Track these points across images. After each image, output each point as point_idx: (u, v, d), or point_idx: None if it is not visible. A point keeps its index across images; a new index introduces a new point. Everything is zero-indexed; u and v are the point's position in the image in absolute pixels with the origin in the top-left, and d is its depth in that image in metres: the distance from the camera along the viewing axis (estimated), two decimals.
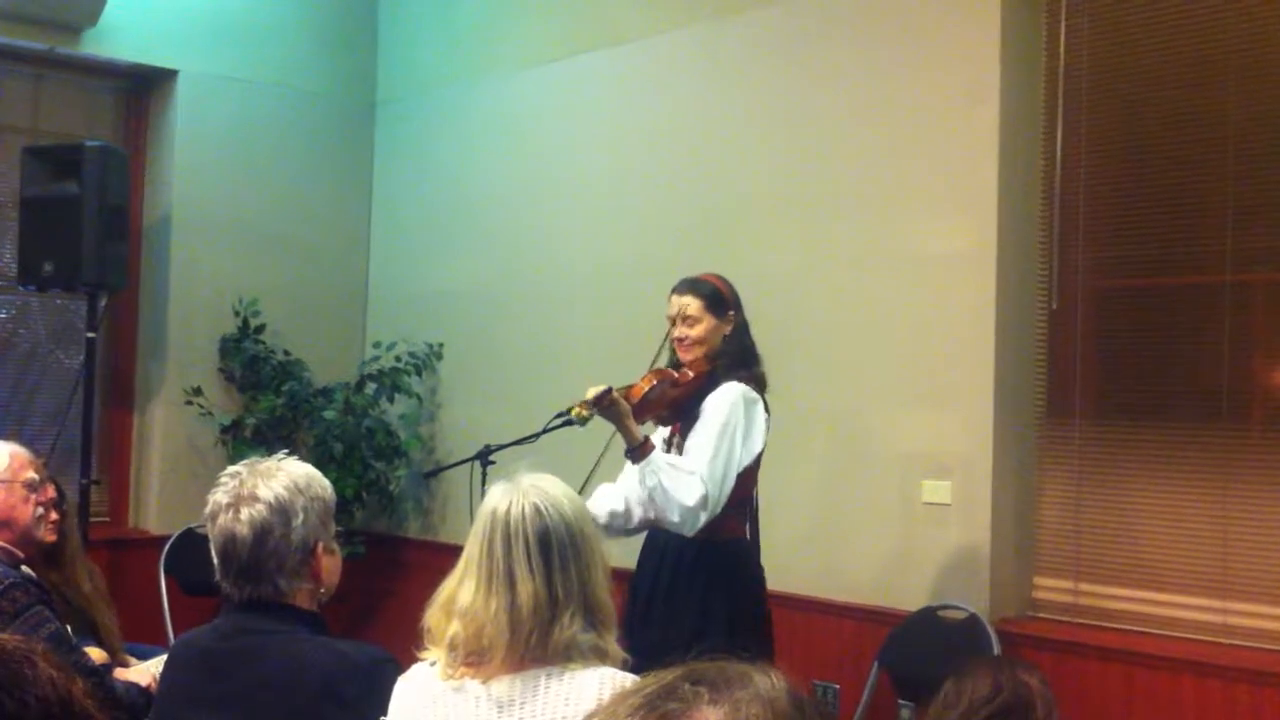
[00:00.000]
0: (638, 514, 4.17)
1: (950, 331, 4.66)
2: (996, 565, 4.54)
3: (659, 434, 4.29)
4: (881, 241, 4.87)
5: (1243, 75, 4.24)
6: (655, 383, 4.08)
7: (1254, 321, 4.25)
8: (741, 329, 4.19)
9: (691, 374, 4.12)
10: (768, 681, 1.13)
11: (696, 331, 4.10)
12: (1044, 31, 4.67)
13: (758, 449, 4.11)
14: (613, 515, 4.19)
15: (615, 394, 3.96)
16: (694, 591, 4.09)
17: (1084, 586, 4.51)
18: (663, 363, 4.25)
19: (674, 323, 4.16)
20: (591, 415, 3.95)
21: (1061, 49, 4.62)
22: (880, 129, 4.90)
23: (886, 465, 4.81)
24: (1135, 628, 4.36)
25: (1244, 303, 4.25)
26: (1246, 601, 4.15)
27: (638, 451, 3.98)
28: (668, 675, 1.14)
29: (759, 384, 4.16)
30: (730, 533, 4.13)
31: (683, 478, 3.94)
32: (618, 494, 4.21)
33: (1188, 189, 4.35)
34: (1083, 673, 4.31)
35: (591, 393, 3.95)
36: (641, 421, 4.11)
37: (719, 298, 4.14)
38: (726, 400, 4.04)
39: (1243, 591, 4.16)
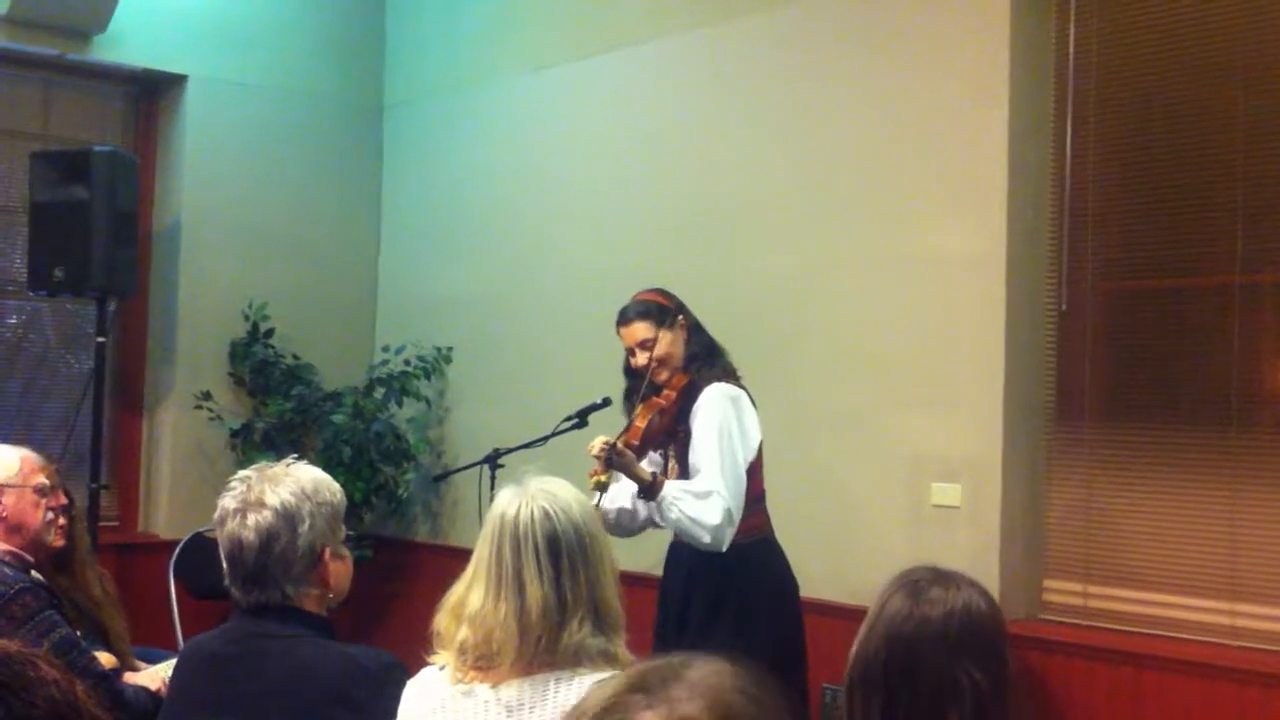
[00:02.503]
0: (644, 513, 4.19)
1: (959, 334, 4.65)
2: (1006, 568, 4.54)
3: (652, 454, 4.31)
4: (890, 244, 4.86)
5: (1252, 77, 4.23)
6: (650, 417, 4.10)
7: (1264, 323, 4.24)
8: (695, 328, 4.25)
9: (674, 393, 4.15)
10: (703, 672, 1.14)
11: (659, 351, 4.14)
12: (1053, 34, 4.66)
13: (756, 442, 4.15)
14: (620, 513, 4.20)
15: (620, 444, 3.97)
16: (729, 602, 4.11)
17: (1093, 589, 4.50)
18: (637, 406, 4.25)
19: (633, 354, 4.20)
20: (610, 476, 3.97)
21: (1070, 51, 4.61)
22: (888, 132, 4.89)
23: (895, 468, 4.80)
24: (1145, 630, 4.35)
25: (1254, 304, 4.23)
26: (1256, 604, 4.14)
27: (650, 490, 4.00)
28: (608, 687, 1.15)
29: (733, 375, 4.21)
30: (752, 532, 4.15)
31: (702, 501, 3.96)
32: (625, 493, 4.20)
33: (1197, 190, 4.34)
34: (1092, 675, 4.30)
35: (597, 447, 3.95)
36: (644, 456, 4.14)
37: (662, 310, 4.19)
38: (714, 406, 4.07)
39: (1252, 594, 4.15)
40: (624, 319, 4.24)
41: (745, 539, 4.10)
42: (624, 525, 4.22)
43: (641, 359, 4.17)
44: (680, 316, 4.21)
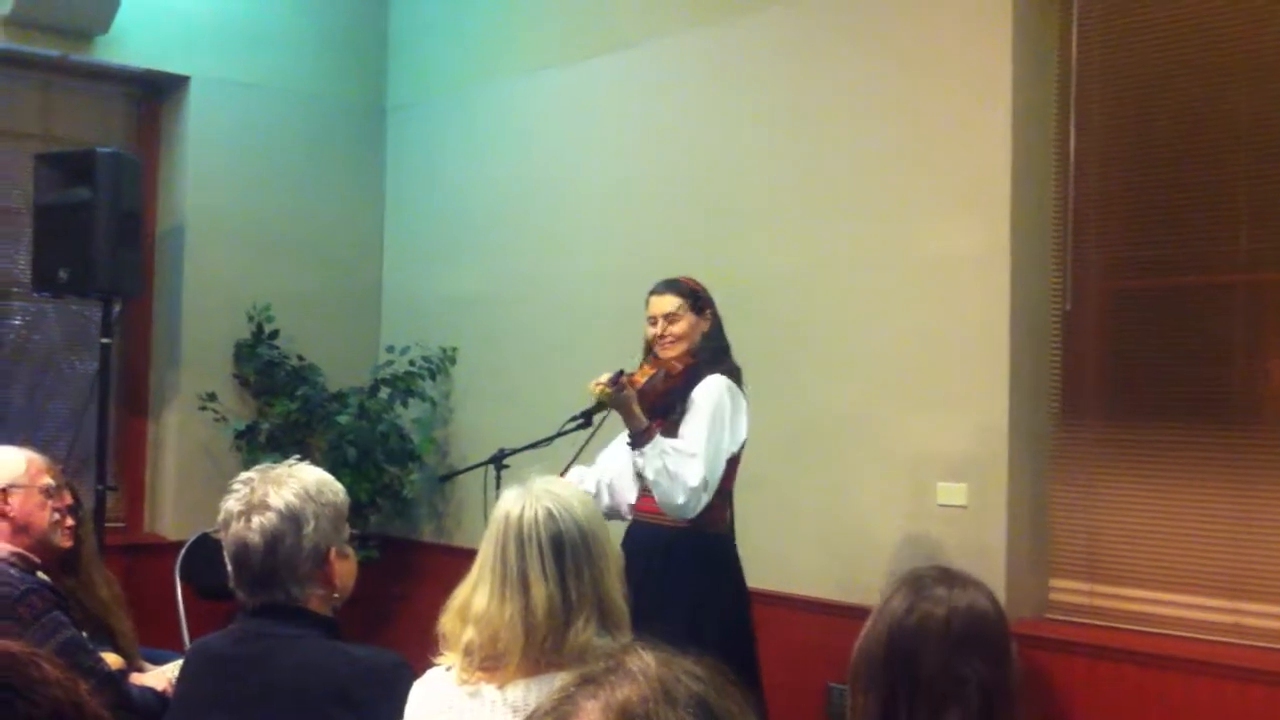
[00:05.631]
0: (605, 501, 4.33)
1: (964, 333, 4.65)
2: (1012, 567, 4.53)
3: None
4: (894, 243, 4.86)
5: (1255, 74, 4.23)
6: (652, 374, 4.24)
7: (1268, 321, 4.24)
8: (717, 325, 4.39)
9: (680, 366, 4.28)
10: (643, 660, 1.20)
11: (679, 328, 4.28)
12: (1055, 31, 4.66)
13: (743, 438, 4.28)
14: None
15: (624, 378, 4.12)
16: (685, 589, 4.18)
17: (1099, 588, 4.50)
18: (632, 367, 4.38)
19: (655, 323, 4.33)
20: (613, 396, 4.09)
21: (1073, 49, 4.60)
22: (891, 131, 4.89)
23: (901, 467, 4.80)
24: (1150, 629, 4.34)
25: (1258, 303, 4.23)
26: (1261, 602, 4.14)
27: (643, 435, 4.15)
28: (567, 683, 1.24)
29: (737, 377, 4.34)
30: (718, 525, 4.29)
31: (685, 460, 4.10)
32: (590, 477, 4.38)
33: (1201, 189, 4.34)
34: (1098, 674, 4.30)
35: (605, 377, 4.11)
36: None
37: (696, 296, 4.34)
38: (715, 390, 4.21)
39: (1257, 592, 4.14)
40: (658, 289, 4.37)
41: (707, 529, 4.24)
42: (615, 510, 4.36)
43: (660, 330, 4.31)
44: (709, 309, 4.35)
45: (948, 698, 2.06)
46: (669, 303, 4.31)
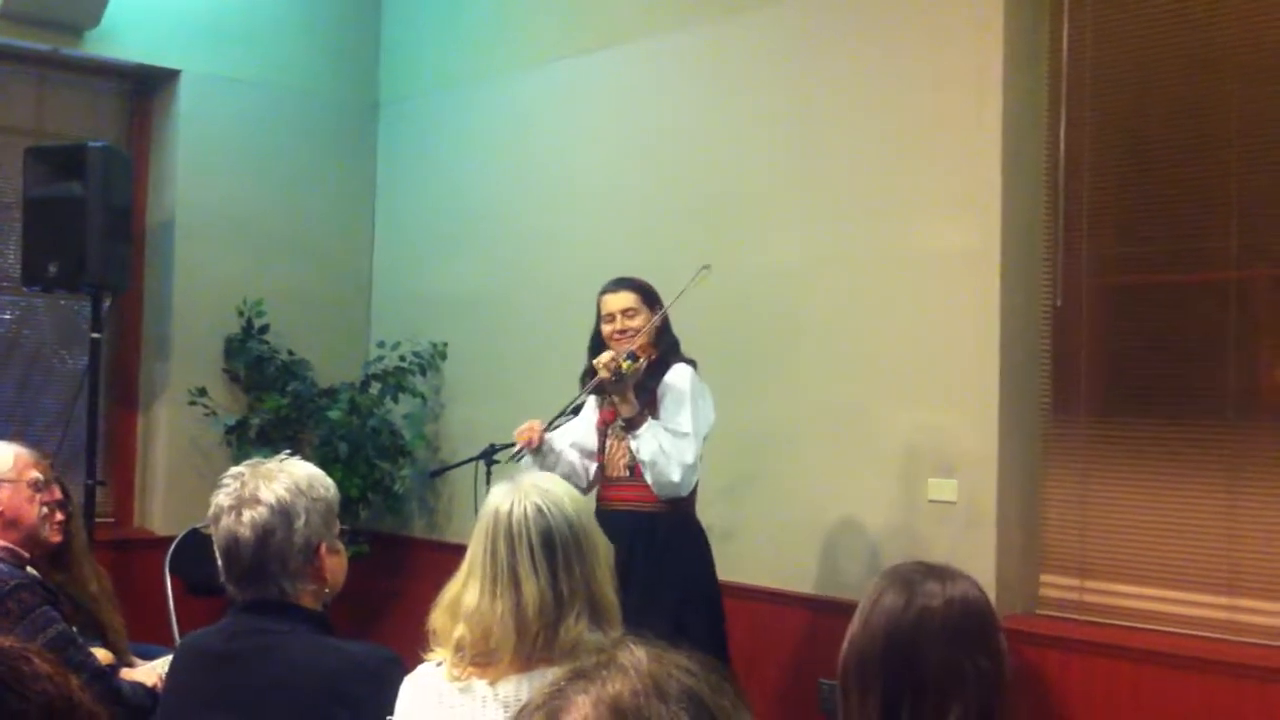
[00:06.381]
0: (565, 469, 4.41)
1: (955, 329, 4.65)
2: (1002, 563, 4.54)
3: (589, 418, 4.53)
4: (886, 239, 4.86)
5: (1247, 71, 4.23)
6: (641, 361, 4.31)
7: (1259, 317, 4.24)
8: (666, 320, 4.49)
9: (655, 353, 4.40)
10: (630, 654, 1.21)
11: (638, 323, 4.40)
12: (1047, 28, 4.66)
13: (712, 422, 4.42)
14: (561, 463, 4.44)
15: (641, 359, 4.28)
16: (673, 574, 4.27)
17: (1090, 584, 4.50)
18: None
19: (612, 319, 4.43)
20: (634, 370, 4.22)
21: (1064, 45, 4.60)
22: (883, 127, 4.89)
23: (892, 463, 4.80)
24: (1142, 625, 4.35)
25: (1249, 299, 4.24)
26: (1253, 598, 4.14)
27: (636, 419, 4.26)
28: (558, 677, 1.23)
29: (695, 367, 4.46)
30: (691, 504, 4.43)
31: (680, 439, 4.25)
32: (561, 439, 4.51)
33: (1192, 185, 4.34)
34: (1089, 670, 4.30)
35: (607, 356, 4.22)
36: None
37: (650, 292, 4.47)
38: (687, 378, 4.37)
39: (1249, 588, 4.15)
40: (614, 287, 4.48)
41: (684, 508, 4.38)
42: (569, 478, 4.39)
43: (620, 325, 4.40)
44: (659, 305, 4.45)
45: (949, 691, 2.05)
46: (626, 299, 4.43)
